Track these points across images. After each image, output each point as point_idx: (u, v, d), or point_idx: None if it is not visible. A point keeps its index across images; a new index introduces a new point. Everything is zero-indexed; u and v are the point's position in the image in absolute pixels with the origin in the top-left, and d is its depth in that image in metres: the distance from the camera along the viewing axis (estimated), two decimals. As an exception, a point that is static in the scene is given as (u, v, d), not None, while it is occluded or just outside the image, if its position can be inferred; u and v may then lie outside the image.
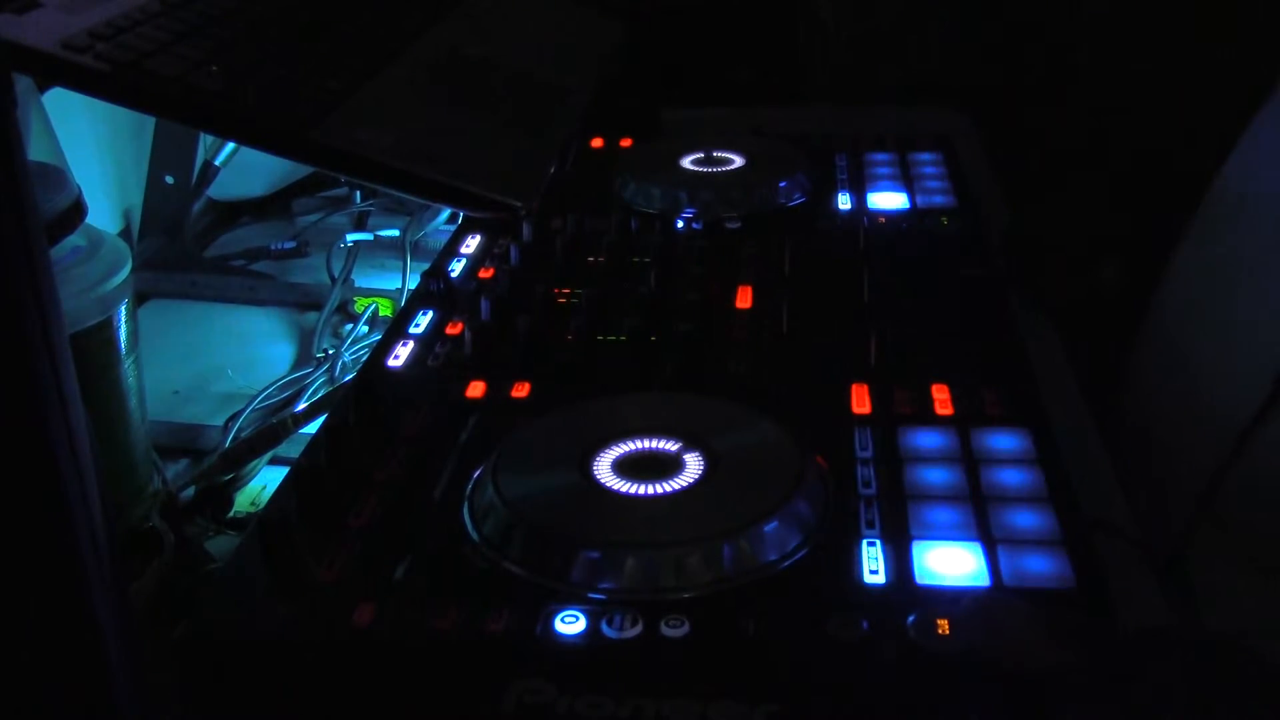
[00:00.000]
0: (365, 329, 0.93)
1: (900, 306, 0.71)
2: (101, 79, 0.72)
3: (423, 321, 0.73)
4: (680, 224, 0.83)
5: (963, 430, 0.59)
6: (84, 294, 0.66)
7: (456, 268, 0.80)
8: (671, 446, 0.57)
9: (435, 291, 0.76)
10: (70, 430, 0.40)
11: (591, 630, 0.48)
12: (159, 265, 1.05)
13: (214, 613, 0.50)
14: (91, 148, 1.02)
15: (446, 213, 1.05)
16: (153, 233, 1.08)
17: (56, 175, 0.65)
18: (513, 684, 0.47)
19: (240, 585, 0.52)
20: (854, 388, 0.63)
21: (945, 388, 0.63)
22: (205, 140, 1.07)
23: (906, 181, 0.90)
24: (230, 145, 1.06)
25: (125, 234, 1.07)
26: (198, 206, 1.12)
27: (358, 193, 1.16)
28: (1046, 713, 0.44)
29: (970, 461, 0.57)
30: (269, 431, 0.76)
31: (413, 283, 0.95)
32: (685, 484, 0.55)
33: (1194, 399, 0.74)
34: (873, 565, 0.51)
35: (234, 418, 0.81)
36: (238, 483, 0.76)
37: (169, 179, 1.06)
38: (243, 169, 1.11)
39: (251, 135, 0.77)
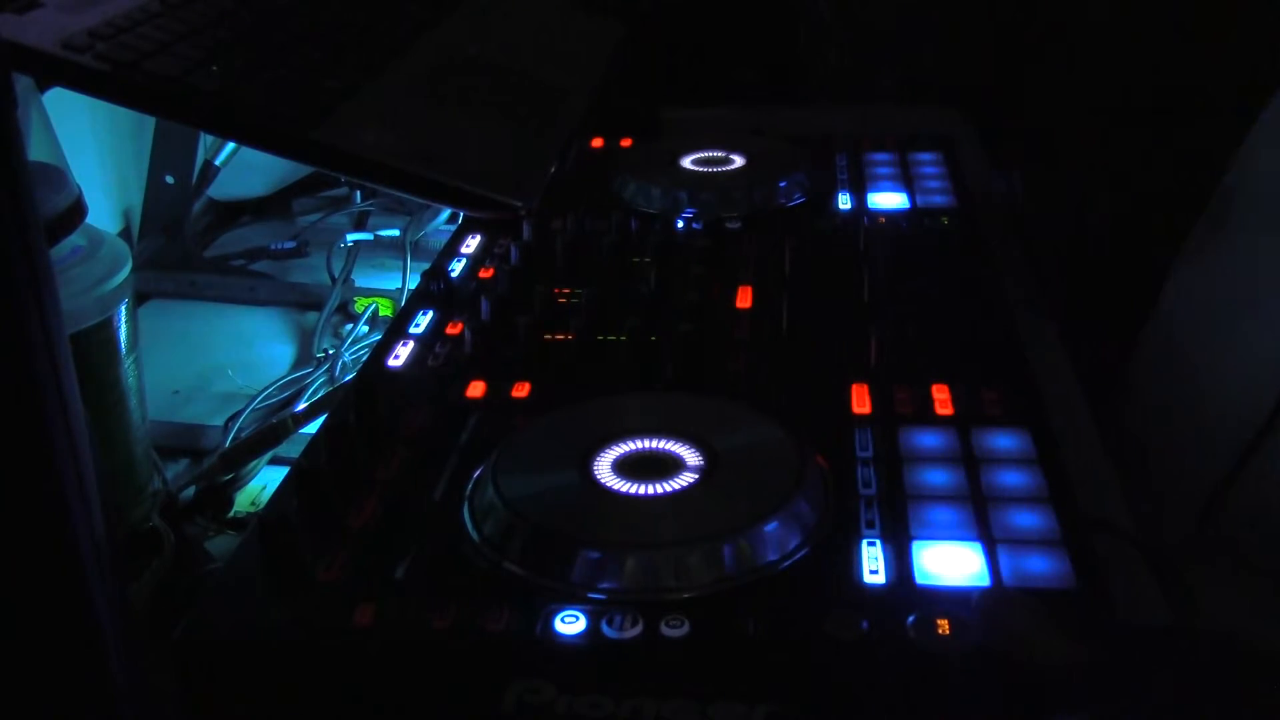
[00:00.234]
0: (365, 329, 0.93)
1: (900, 306, 0.71)
2: (101, 79, 0.72)
3: (423, 321, 0.73)
4: (680, 224, 0.83)
5: (963, 430, 0.59)
6: (84, 294, 0.66)
7: (456, 268, 0.80)
8: (671, 446, 0.57)
9: (435, 291, 0.76)
10: (70, 430, 0.40)
11: (591, 630, 0.48)
12: (159, 265, 1.05)
13: (214, 613, 0.50)
14: (91, 148, 1.02)
15: (446, 213, 1.05)
16: (153, 233, 1.08)
17: (56, 175, 0.65)
18: (513, 684, 0.47)
19: (240, 585, 0.52)
20: (854, 388, 0.63)
21: (945, 388, 0.63)
22: (205, 140, 1.07)
23: (906, 181, 0.90)
24: (230, 145, 1.06)
25: (125, 234, 1.07)
26: (198, 206, 1.12)
27: (358, 193, 1.16)
28: (1049, 711, 0.44)
29: (970, 461, 0.57)
30: (269, 431, 0.76)
31: (413, 283, 0.95)
32: (685, 484, 0.55)
33: (1196, 409, 0.74)
34: (873, 565, 0.51)
35: (234, 418, 0.81)
36: (238, 483, 0.76)
37: (169, 179, 1.06)
38: (243, 169, 1.11)
39: (251, 135, 0.77)
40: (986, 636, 0.46)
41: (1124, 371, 0.84)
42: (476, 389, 0.66)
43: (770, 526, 0.51)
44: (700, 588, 0.50)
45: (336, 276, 1.00)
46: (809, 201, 0.87)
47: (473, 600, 0.49)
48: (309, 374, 0.87)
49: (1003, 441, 0.59)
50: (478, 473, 0.57)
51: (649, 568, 0.50)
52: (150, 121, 1.04)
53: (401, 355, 0.70)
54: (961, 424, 0.60)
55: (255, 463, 0.77)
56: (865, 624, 0.47)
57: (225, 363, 0.92)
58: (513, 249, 0.80)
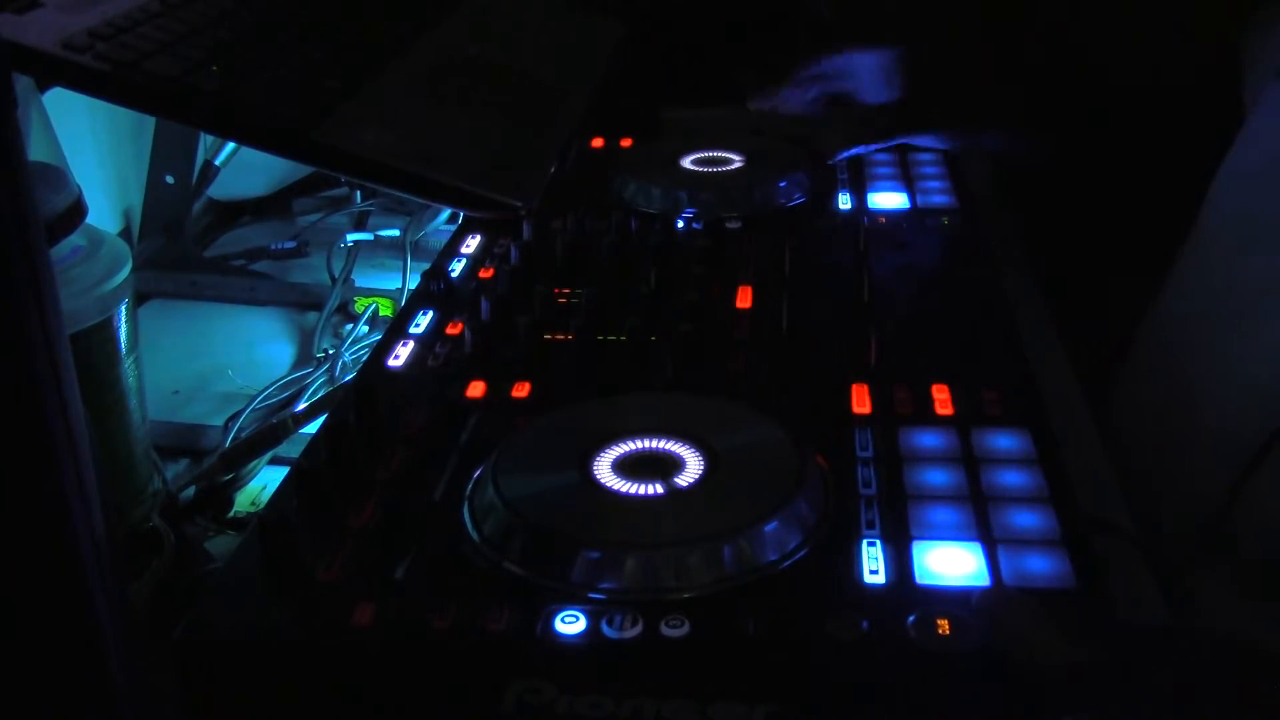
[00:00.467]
0: (365, 329, 0.93)
1: (900, 306, 0.71)
2: (101, 79, 0.72)
3: (423, 321, 0.73)
4: (680, 224, 0.83)
5: (963, 430, 0.59)
6: (84, 294, 0.66)
7: (456, 268, 0.80)
8: (671, 446, 0.57)
9: (435, 291, 0.76)
10: (70, 430, 0.40)
11: (591, 630, 0.48)
12: (159, 265, 1.05)
13: (214, 613, 0.50)
14: (91, 148, 1.02)
15: (446, 213, 1.05)
16: (153, 233, 1.08)
17: (56, 175, 0.65)
18: (513, 684, 0.47)
19: (240, 585, 0.52)
20: (854, 388, 0.63)
21: (945, 388, 0.63)
22: (205, 140, 1.07)
23: (906, 181, 0.90)
24: (230, 145, 1.06)
25: (125, 234, 1.07)
26: (198, 206, 1.12)
27: (358, 193, 1.16)
28: (1049, 711, 0.44)
29: (970, 461, 0.57)
30: (269, 431, 0.76)
31: (413, 283, 0.95)
32: (685, 484, 0.55)
33: (1196, 409, 0.74)
34: (873, 565, 0.51)
35: (234, 418, 0.81)
36: (238, 483, 0.76)
37: (169, 179, 1.06)
38: (243, 169, 1.11)
39: (251, 135, 0.77)
40: (986, 636, 0.46)
41: (1124, 371, 0.84)
42: (476, 389, 0.66)
43: (770, 526, 0.51)
44: (700, 588, 0.50)
45: (336, 276, 1.00)
46: (809, 201, 0.87)
47: (473, 600, 0.49)
48: (309, 374, 0.87)
49: (1003, 441, 0.59)
50: (478, 473, 0.57)
51: (649, 568, 0.50)
52: (150, 121, 1.04)
53: (401, 355, 0.70)
54: (961, 424, 0.60)
55: (255, 463, 0.77)
56: (865, 624, 0.47)
57: (225, 363, 0.92)
58: (513, 249, 0.80)
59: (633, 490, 0.54)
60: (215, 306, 1.02)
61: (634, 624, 0.48)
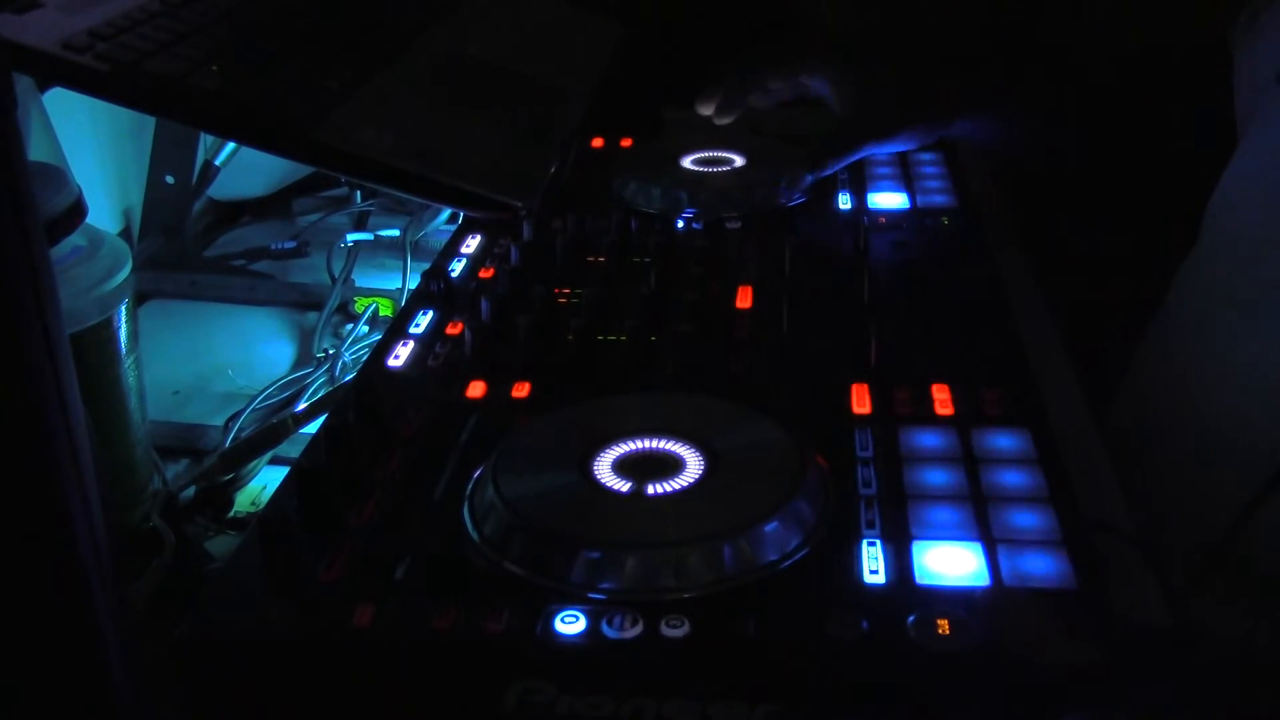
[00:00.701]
0: (365, 329, 0.93)
1: (900, 306, 0.71)
2: (101, 79, 0.72)
3: (423, 321, 0.73)
4: (680, 224, 0.83)
5: (963, 430, 0.59)
6: (84, 294, 0.66)
7: (456, 268, 0.80)
8: (671, 446, 0.57)
9: (435, 291, 0.76)
10: (70, 430, 0.40)
11: (591, 630, 0.48)
12: (159, 265, 1.05)
13: (214, 613, 0.50)
14: (91, 148, 1.02)
15: (446, 213, 1.05)
16: (153, 233, 1.08)
17: (56, 175, 0.65)
18: (513, 684, 0.47)
19: (240, 585, 0.52)
20: (854, 388, 0.63)
21: (945, 388, 0.63)
22: (205, 140, 1.07)
23: (906, 181, 0.90)
24: (230, 145, 1.06)
25: (125, 234, 1.07)
26: (198, 206, 1.12)
27: (358, 193, 1.16)
28: (1050, 712, 0.44)
29: (970, 461, 0.57)
30: (269, 431, 0.76)
31: (413, 283, 0.95)
32: (685, 484, 0.55)
33: (1197, 409, 0.74)
34: (873, 565, 0.51)
35: (234, 418, 0.81)
36: (238, 483, 0.76)
37: (169, 179, 1.06)
38: (243, 169, 1.11)
39: (251, 135, 0.77)
40: (987, 636, 0.46)
41: (1126, 373, 0.84)
42: (476, 389, 0.66)
43: (770, 526, 0.51)
44: (700, 588, 0.50)
45: (336, 276, 1.00)
46: (809, 201, 0.87)
47: (473, 600, 0.49)
48: (309, 374, 0.87)
49: (1003, 441, 0.59)
50: (478, 473, 0.57)
51: (649, 568, 0.50)
52: (150, 121, 1.04)
53: (401, 355, 0.70)
54: (961, 424, 0.60)
55: (255, 463, 0.76)
56: (865, 624, 0.47)
57: (225, 363, 0.92)
58: (513, 249, 0.80)
59: (632, 490, 0.54)
60: (215, 306, 1.02)
61: (634, 624, 0.48)
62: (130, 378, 0.71)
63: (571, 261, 0.79)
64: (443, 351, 0.70)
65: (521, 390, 0.66)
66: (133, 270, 0.69)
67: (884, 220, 0.84)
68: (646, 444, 0.57)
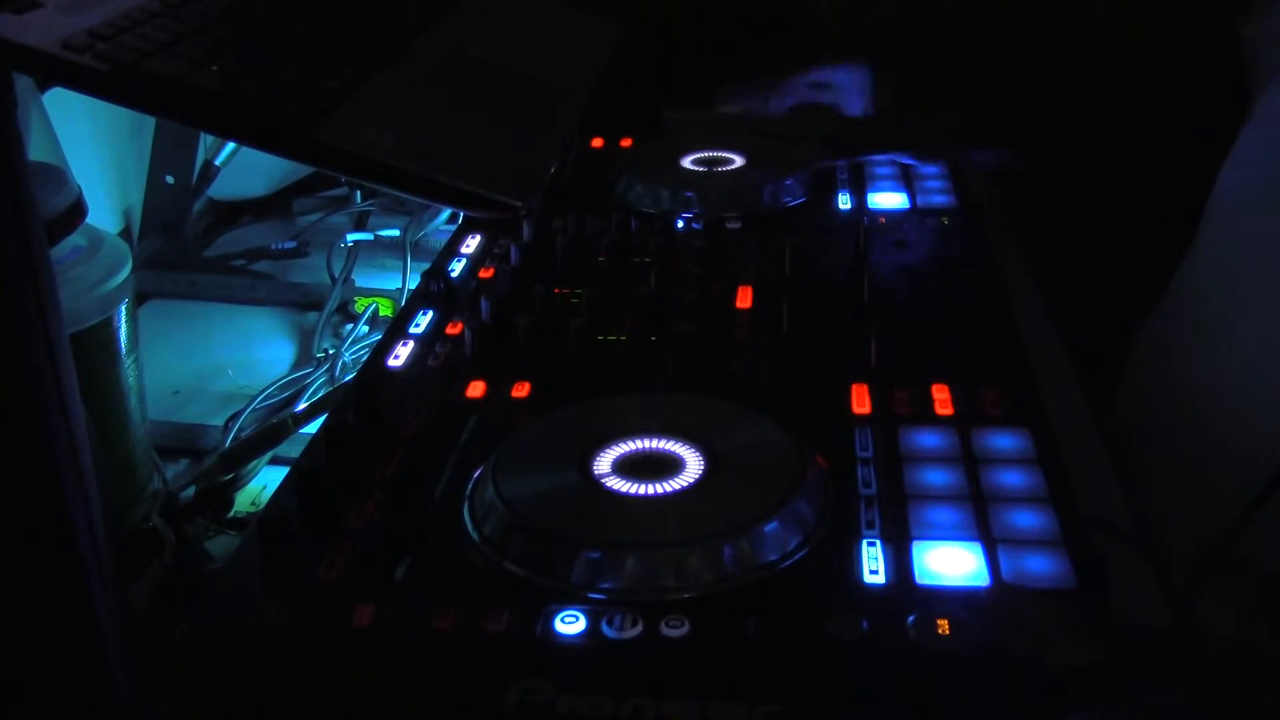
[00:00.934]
0: (365, 329, 0.93)
1: (900, 306, 0.71)
2: (101, 79, 0.71)
3: (423, 321, 0.73)
4: (680, 224, 0.83)
5: (963, 430, 0.59)
6: (84, 294, 0.66)
7: (456, 268, 0.80)
8: (671, 446, 0.57)
9: (435, 291, 0.76)
10: (70, 430, 0.40)
11: (591, 630, 0.48)
12: (159, 265, 1.05)
13: (214, 613, 0.50)
14: (91, 148, 1.02)
15: (446, 213, 1.05)
16: (153, 233, 1.08)
17: (56, 175, 0.65)
18: (513, 684, 0.47)
19: (240, 585, 0.52)
20: (854, 388, 0.63)
21: (945, 388, 0.63)
22: (205, 140, 1.07)
23: (906, 181, 0.90)
24: (230, 145, 1.06)
25: (125, 234, 1.07)
26: (198, 206, 1.12)
27: (358, 193, 1.16)
28: (1051, 712, 0.44)
29: (970, 461, 0.57)
30: (269, 431, 0.76)
31: (413, 283, 0.95)
32: (685, 484, 0.55)
33: (1197, 410, 0.73)
34: (873, 565, 0.51)
35: (234, 418, 0.81)
36: (238, 483, 0.76)
37: (169, 179, 1.06)
38: (243, 169, 1.11)
39: (251, 135, 0.77)
40: (987, 636, 0.46)
41: (1126, 374, 0.84)
42: (476, 389, 0.66)
43: (770, 526, 0.51)
44: (700, 588, 0.50)
45: (336, 276, 1.00)
46: (809, 201, 0.87)
47: (473, 600, 0.49)
48: (309, 374, 0.87)
49: (1003, 441, 0.59)
50: (478, 473, 0.57)
51: (649, 568, 0.50)
52: (150, 121, 1.04)
53: (401, 355, 0.70)
54: (961, 424, 0.60)
55: (255, 463, 0.76)
56: (865, 624, 0.47)
57: (225, 363, 0.92)
58: (513, 249, 0.80)
59: (633, 490, 0.54)
60: (215, 306, 1.02)
61: (634, 624, 0.48)
62: (130, 378, 0.71)
63: (571, 261, 0.79)
64: (443, 351, 0.70)
65: (521, 390, 0.66)
66: (133, 270, 0.69)
67: (884, 220, 0.84)
68: (646, 444, 0.57)
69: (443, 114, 0.87)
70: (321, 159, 0.78)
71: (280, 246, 1.09)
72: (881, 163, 0.93)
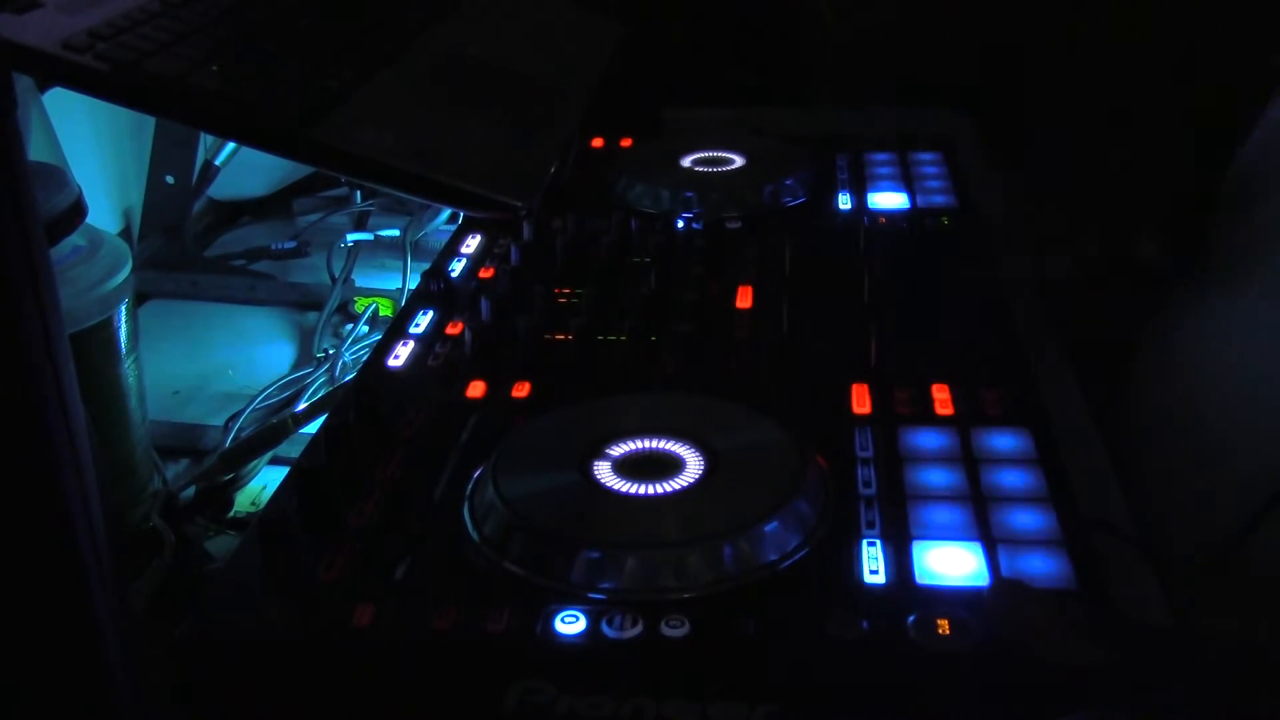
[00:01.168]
0: (365, 329, 0.93)
1: (900, 306, 0.71)
2: (101, 79, 0.72)
3: (423, 321, 0.73)
4: (680, 224, 0.83)
5: (963, 430, 0.59)
6: (84, 294, 0.66)
7: (456, 268, 0.80)
8: (671, 446, 0.57)
9: (435, 291, 0.76)
10: (70, 430, 0.40)
11: (591, 630, 0.48)
12: (159, 265, 1.05)
13: (214, 613, 0.50)
14: (91, 148, 1.02)
15: (446, 213, 1.05)
16: (153, 233, 1.08)
17: (56, 175, 0.65)
18: (513, 684, 0.47)
19: (240, 585, 0.52)
20: (854, 388, 0.63)
21: (945, 388, 0.63)
22: (205, 140, 1.07)
23: (906, 181, 0.90)
24: (230, 145, 1.06)
25: (125, 234, 1.07)
26: (198, 206, 1.12)
27: (358, 193, 1.16)
28: (1051, 711, 0.44)
29: (970, 461, 0.57)
30: (269, 431, 0.76)
31: (413, 283, 0.95)
32: (685, 484, 0.55)
33: (1198, 410, 0.73)
34: (873, 565, 0.51)
35: (234, 418, 0.81)
36: (238, 483, 0.76)
37: (169, 179, 1.06)
38: (243, 169, 1.11)
39: (251, 135, 0.77)
40: (987, 636, 0.46)
41: (1125, 372, 0.84)
42: (476, 389, 0.66)
43: (770, 526, 0.51)
44: (700, 588, 0.50)
45: (336, 276, 1.00)
46: (809, 201, 0.87)
47: (473, 600, 0.49)
48: (309, 374, 0.87)
49: (1003, 441, 0.59)
50: (478, 473, 0.57)
51: (649, 568, 0.50)
52: (150, 121, 1.04)
53: (401, 355, 0.70)
54: (961, 424, 0.60)
55: (255, 463, 0.77)
56: (865, 624, 0.47)
57: (225, 363, 0.92)
58: (513, 249, 0.80)
59: (633, 490, 0.54)
60: (215, 306, 1.02)
61: (634, 624, 0.48)
62: (130, 378, 0.71)
63: (571, 261, 0.79)
64: (443, 351, 0.70)
65: (521, 390, 0.66)
66: (133, 270, 0.69)
67: (884, 220, 0.84)
68: (646, 444, 0.57)
69: (443, 114, 0.87)
70: (321, 159, 0.78)
71: (280, 246, 1.09)
72: (883, 162, 0.93)
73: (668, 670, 0.47)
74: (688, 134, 0.96)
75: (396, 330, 0.72)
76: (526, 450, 0.58)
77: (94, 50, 0.72)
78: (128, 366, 0.70)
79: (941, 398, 0.62)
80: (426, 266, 0.80)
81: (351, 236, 1.05)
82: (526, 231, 0.83)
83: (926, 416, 0.61)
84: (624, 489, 0.54)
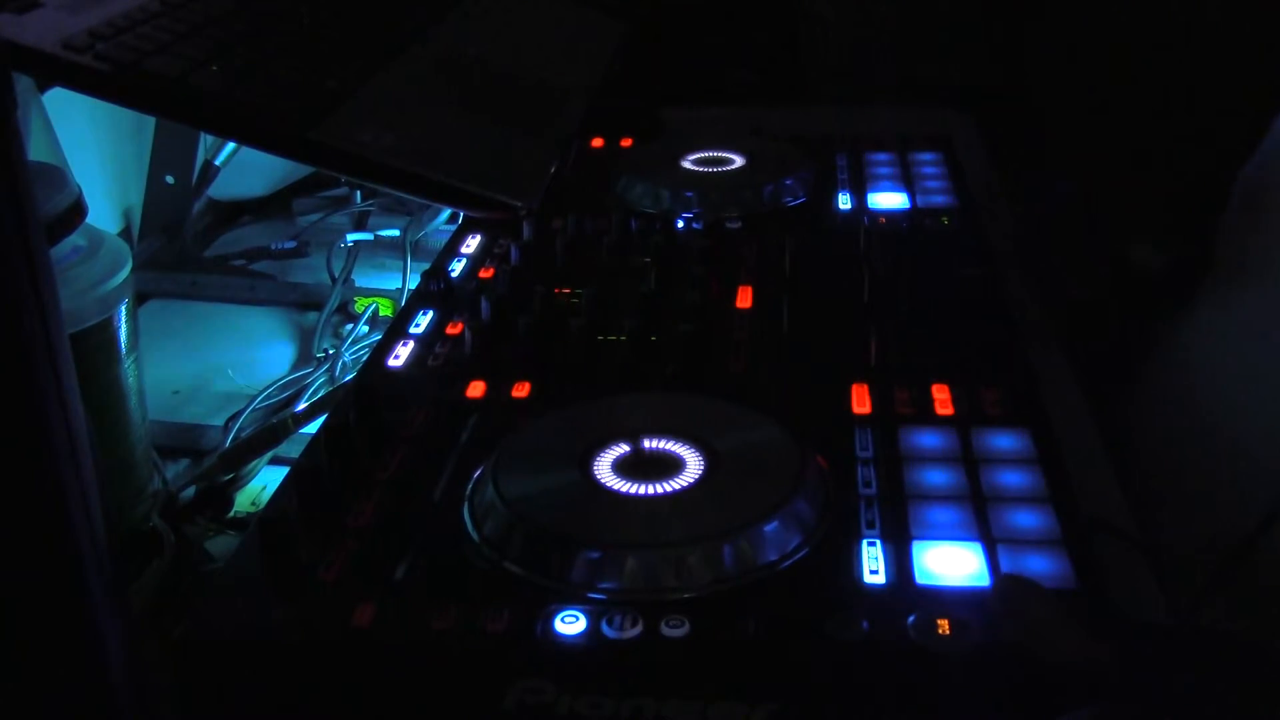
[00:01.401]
0: (365, 329, 0.93)
1: (900, 306, 0.71)
2: (101, 79, 0.72)
3: (423, 321, 0.73)
4: (680, 224, 0.83)
5: (963, 430, 0.59)
6: (84, 294, 0.66)
7: (456, 268, 0.80)
8: (671, 446, 0.57)
9: (435, 291, 0.76)
10: (70, 430, 0.40)
11: (591, 630, 0.48)
12: (159, 265, 1.05)
13: (214, 613, 0.50)
14: (91, 148, 1.02)
15: (446, 213, 1.05)
16: (153, 233, 1.08)
17: (56, 175, 0.65)
18: (513, 684, 0.47)
19: (240, 585, 0.52)
20: (854, 388, 0.63)
21: (945, 388, 0.63)
22: (205, 140, 1.07)
23: (906, 181, 0.90)
24: (230, 145, 1.06)
25: (125, 234, 1.07)
26: (198, 206, 1.12)
27: (358, 193, 1.16)
28: (1052, 711, 0.44)
29: (970, 461, 0.57)
30: (269, 431, 0.76)
31: (413, 283, 0.95)
32: (685, 484, 0.55)
33: (1198, 410, 0.73)
34: (873, 565, 0.51)
35: (234, 418, 0.81)
36: (238, 483, 0.76)
37: (169, 179, 1.06)
38: (243, 169, 1.11)
39: (251, 135, 0.77)
40: (990, 634, 0.46)
41: (1125, 372, 0.84)
42: (476, 389, 0.66)
43: (770, 526, 0.51)
44: (700, 588, 0.50)
45: (336, 276, 1.00)
46: (809, 201, 0.87)
47: (473, 600, 0.49)
48: (309, 374, 0.87)
49: (1003, 441, 0.59)
50: (478, 473, 0.57)
51: (649, 568, 0.50)
52: (150, 121, 1.04)
53: (401, 355, 0.70)
54: (961, 424, 0.60)
55: (255, 463, 0.76)
56: (865, 624, 0.47)
57: (225, 363, 0.92)
58: (513, 249, 0.80)
59: (633, 490, 0.54)
60: (215, 306, 1.02)
61: (634, 624, 0.48)
62: (130, 378, 0.71)
63: (571, 261, 0.79)
64: (443, 351, 0.70)
65: (521, 390, 0.66)
66: (133, 270, 0.69)
67: (884, 220, 0.84)
68: (646, 444, 0.57)
69: (443, 114, 0.87)
70: (321, 159, 0.78)
71: (280, 246, 1.09)
72: (883, 162, 0.93)
73: (668, 670, 0.47)
74: (688, 134, 0.96)
75: (396, 330, 0.72)
76: (526, 450, 0.58)
77: (94, 50, 0.72)
78: (127, 366, 0.70)
79: (941, 398, 0.62)
80: (426, 266, 0.80)
81: (351, 236, 1.05)
82: (526, 231, 0.83)
83: (926, 416, 0.61)
84: (624, 489, 0.54)
